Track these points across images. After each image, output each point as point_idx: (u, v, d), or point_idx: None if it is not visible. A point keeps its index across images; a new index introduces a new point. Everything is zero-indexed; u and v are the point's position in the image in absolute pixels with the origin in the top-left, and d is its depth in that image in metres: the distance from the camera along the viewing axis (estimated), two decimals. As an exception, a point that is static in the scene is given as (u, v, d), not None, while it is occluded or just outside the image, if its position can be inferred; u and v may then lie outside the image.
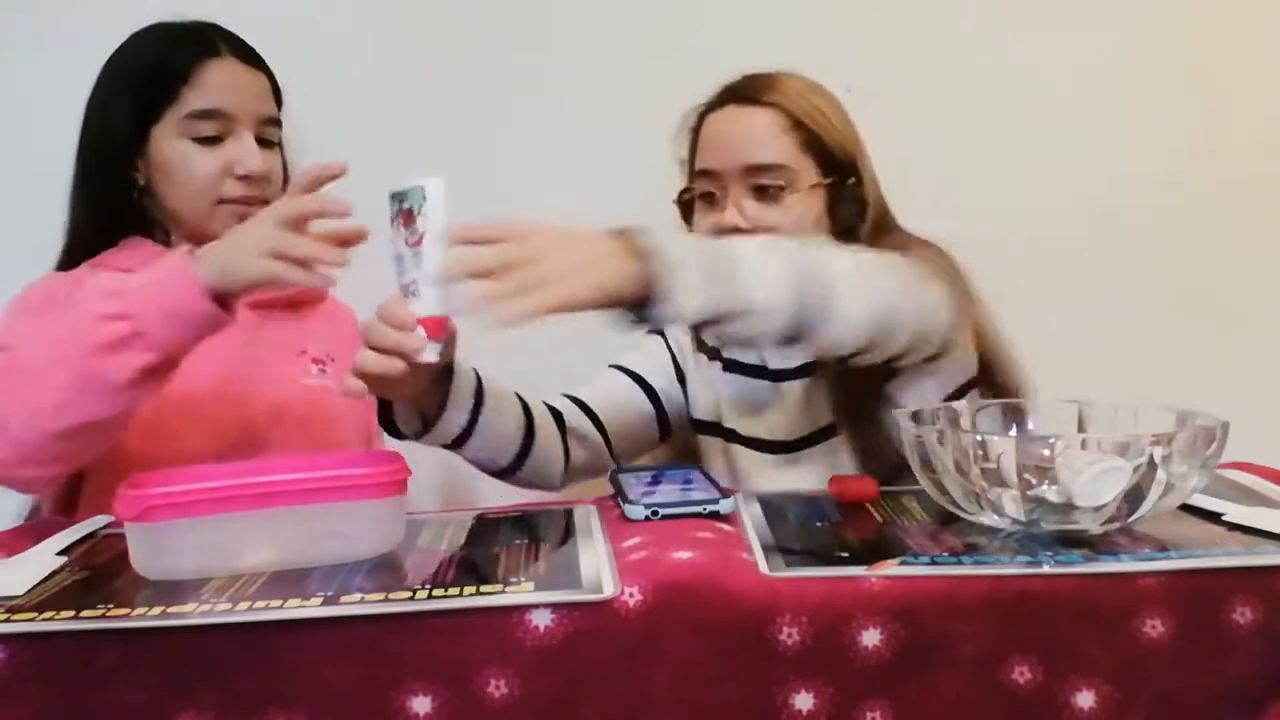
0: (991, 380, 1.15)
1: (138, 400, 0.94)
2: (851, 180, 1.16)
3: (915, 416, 0.91)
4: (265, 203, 1.17)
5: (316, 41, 1.42)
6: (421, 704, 0.71)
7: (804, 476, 1.14)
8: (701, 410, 1.25)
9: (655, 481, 0.94)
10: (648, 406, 1.24)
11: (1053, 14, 1.52)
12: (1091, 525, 0.81)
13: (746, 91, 1.16)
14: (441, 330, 0.87)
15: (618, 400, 1.22)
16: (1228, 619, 0.75)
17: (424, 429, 1.00)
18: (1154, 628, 0.74)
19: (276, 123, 1.21)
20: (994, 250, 1.45)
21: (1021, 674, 0.74)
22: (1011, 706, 0.74)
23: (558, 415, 1.15)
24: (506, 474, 1.10)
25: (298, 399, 1.18)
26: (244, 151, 1.15)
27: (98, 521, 0.95)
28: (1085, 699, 0.74)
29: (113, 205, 1.18)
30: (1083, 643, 0.74)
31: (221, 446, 1.10)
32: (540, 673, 0.71)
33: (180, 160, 1.15)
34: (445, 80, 1.46)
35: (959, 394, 1.12)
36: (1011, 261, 1.51)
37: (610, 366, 1.25)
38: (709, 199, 1.17)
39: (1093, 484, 0.78)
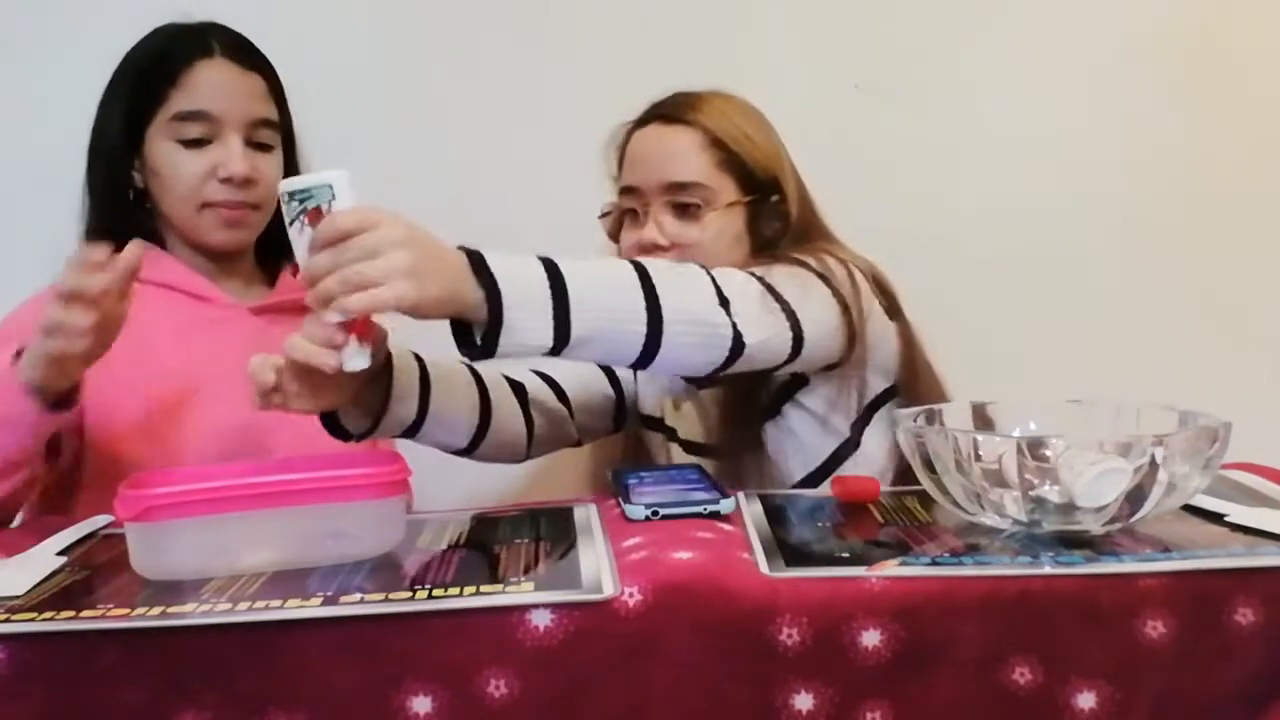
0: (913, 389, 1.15)
1: (25, 483, 0.96)
2: (775, 198, 1.16)
3: (917, 417, 0.91)
4: (254, 207, 1.17)
5: (316, 41, 1.42)
6: (421, 704, 0.71)
7: (732, 482, 1.12)
8: (649, 406, 1.26)
9: (655, 481, 0.94)
10: (610, 391, 1.25)
11: (1053, 14, 1.52)
12: (1093, 526, 0.80)
13: (669, 110, 1.18)
14: (369, 331, 0.83)
15: (584, 378, 1.22)
16: (1229, 620, 0.75)
17: (371, 426, 0.98)
18: (1155, 629, 0.74)
19: (272, 125, 1.19)
20: (994, 250, 1.45)
21: (1022, 675, 0.74)
22: (1012, 707, 0.74)
23: (518, 387, 1.15)
24: (467, 453, 1.10)
25: None
26: (228, 154, 1.14)
27: (98, 521, 0.95)
28: (1086, 700, 0.74)
29: (114, 208, 1.18)
30: (1083, 643, 0.74)
31: (223, 449, 1.10)
32: (540, 673, 0.71)
33: (167, 163, 1.14)
34: (445, 80, 1.45)
35: (880, 401, 1.13)
36: (1012, 262, 1.51)
37: None
38: (633, 215, 1.18)
39: (1094, 485, 0.78)
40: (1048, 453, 0.82)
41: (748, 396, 1.13)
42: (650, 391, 1.26)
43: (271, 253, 1.27)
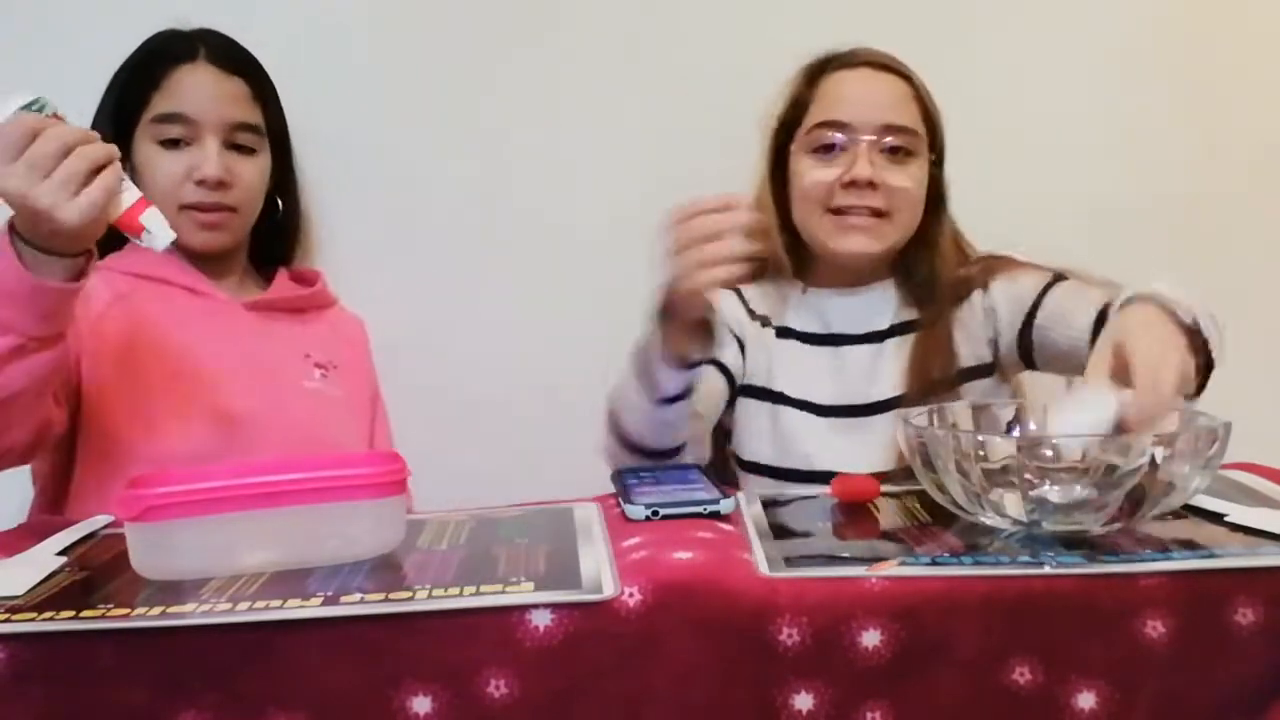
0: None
1: (28, 374, 0.90)
2: (942, 169, 1.23)
3: (915, 417, 0.91)
4: (231, 210, 1.18)
5: (316, 41, 1.42)
6: (421, 704, 0.71)
7: (862, 442, 1.16)
8: (751, 375, 1.24)
9: (655, 481, 0.94)
10: (725, 389, 1.22)
11: (1053, 14, 1.52)
12: (1093, 525, 0.80)
13: (876, 59, 1.22)
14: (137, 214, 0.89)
15: (713, 393, 1.21)
16: (1229, 620, 0.75)
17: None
18: (1155, 629, 0.74)
19: (253, 129, 1.21)
20: (993, 250, 1.45)
21: (1022, 675, 0.74)
22: (1012, 707, 0.74)
23: None
24: (673, 453, 1.09)
25: (297, 401, 1.18)
26: (204, 156, 1.16)
27: (97, 521, 0.95)
28: (1086, 700, 0.74)
29: None
30: (1083, 643, 0.74)
31: (218, 444, 1.11)
32: (540, 673, 0.71)
33: (148, 163, 1.16)
34: (445, 80, 1.45)
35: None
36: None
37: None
38: (827, 150, 1.19)
39: (1073, 415, 0.79)
40: (1048, 453, 0.82)
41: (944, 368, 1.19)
42: (757, 360, 1.24)
43: (267, 256, 1.28)
